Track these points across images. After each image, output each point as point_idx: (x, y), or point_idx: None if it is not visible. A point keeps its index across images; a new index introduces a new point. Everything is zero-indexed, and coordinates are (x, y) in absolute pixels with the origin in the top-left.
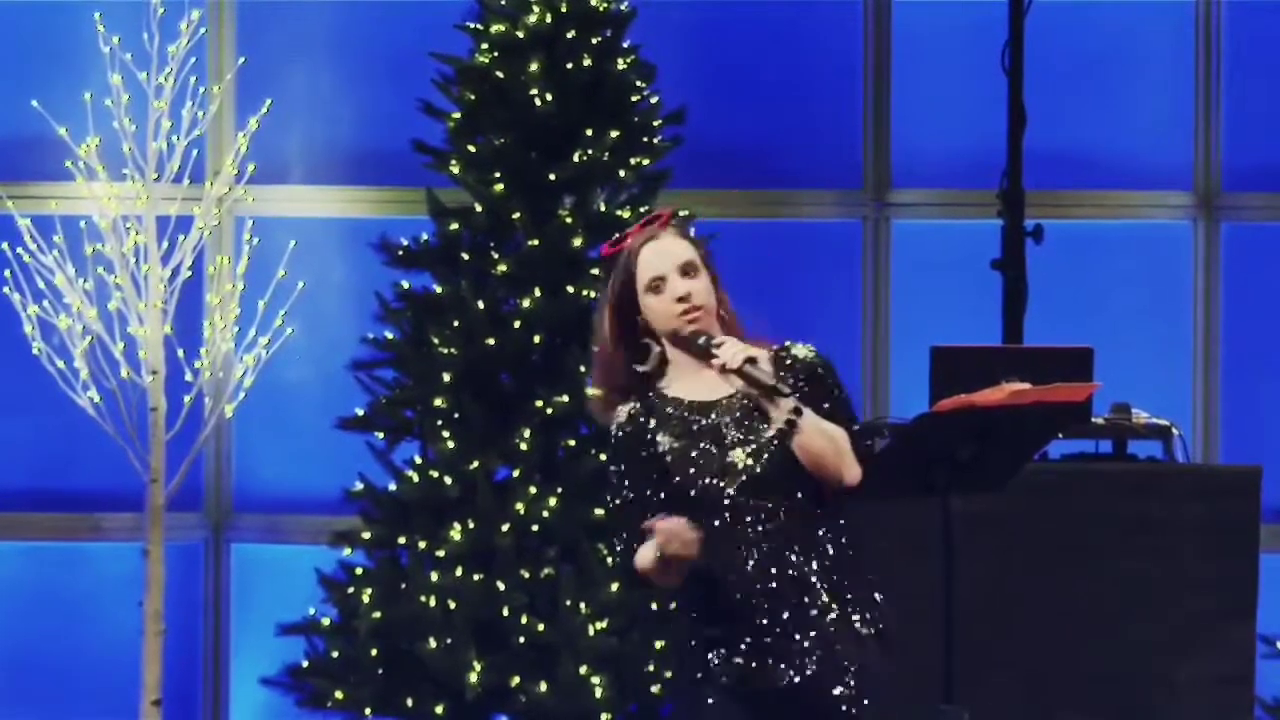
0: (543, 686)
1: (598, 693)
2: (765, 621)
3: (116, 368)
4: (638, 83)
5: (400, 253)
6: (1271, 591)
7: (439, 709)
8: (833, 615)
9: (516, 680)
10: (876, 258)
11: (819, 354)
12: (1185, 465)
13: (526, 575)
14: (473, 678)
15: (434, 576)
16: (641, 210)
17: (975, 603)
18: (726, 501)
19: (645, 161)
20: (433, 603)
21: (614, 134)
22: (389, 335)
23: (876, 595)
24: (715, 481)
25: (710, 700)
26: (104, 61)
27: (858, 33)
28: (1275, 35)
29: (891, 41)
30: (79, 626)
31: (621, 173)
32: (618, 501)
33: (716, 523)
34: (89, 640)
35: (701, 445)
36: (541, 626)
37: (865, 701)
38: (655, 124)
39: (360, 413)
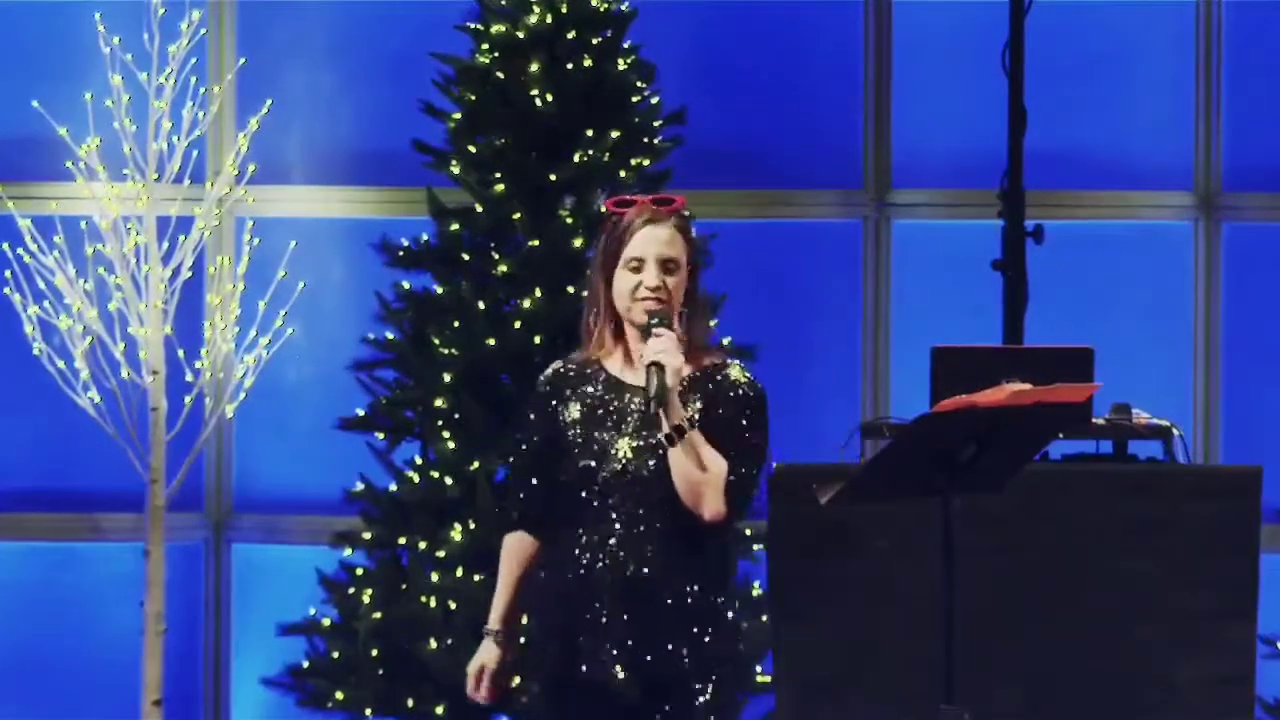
0: None
1: None
2: (609, 613)
3: (117, 368)
4: (638, 83)
5: (401, 253)
6: (1271, 592)
7: (439, 709)
8: (660, 625)
9: (516, 680)
10: (877, 258)
11: (755, 385)
12: (1186, 466)
13: None
14: None
15: (434, 577)
16: None
17: (975, 603)
18: (597, 487)
19: (646, 162)
20: (433, 603)
21: (614, 134)
22: (389, 335)
23: (706, 637)
24: (594, 463)
25: (553, 693)
26: (104, 62)
27: (858, 33)
28: (1276, 35)
29: (892, 41)
30: (79, 627)
31: (622, 173)
32: (520, 445)
33: (595, 503)
34: (89, 640)
35: (599, 425)
36: None
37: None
38: (656, 124)
39: (361, 413)
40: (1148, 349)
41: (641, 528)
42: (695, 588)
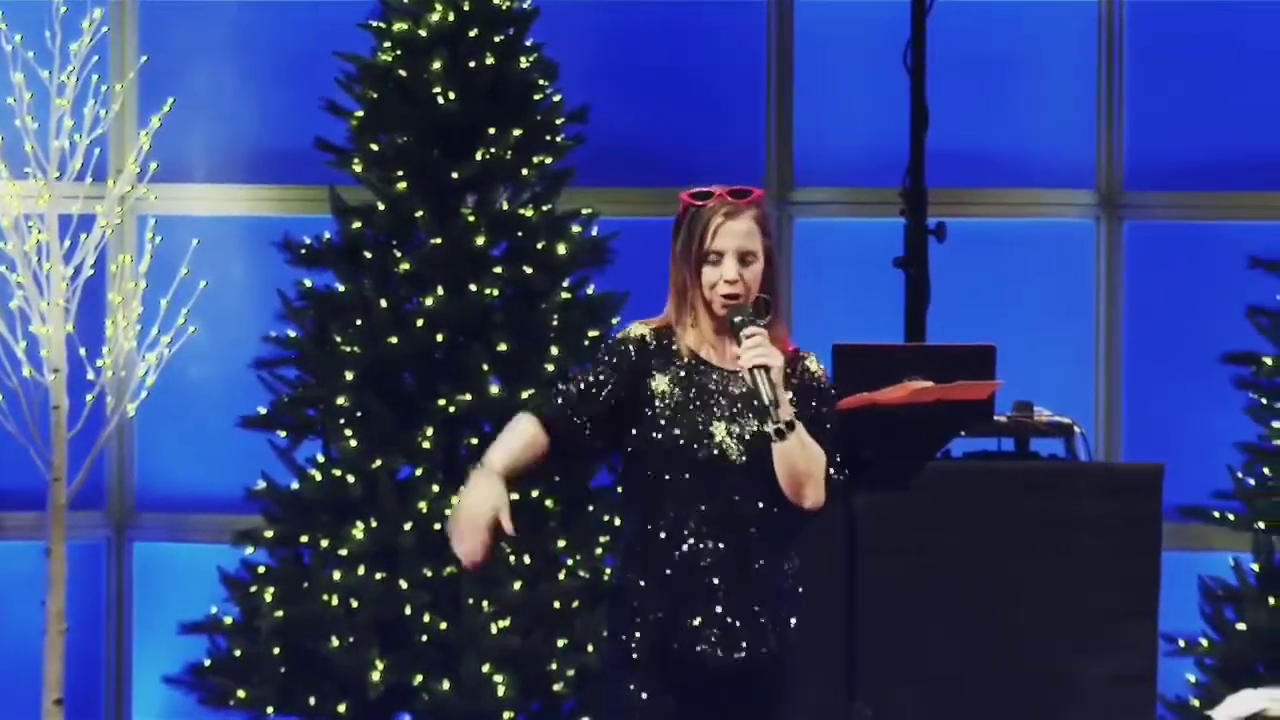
0: (445, 685)
1: (500, 691)
2: (694, 593)
3: (18, 366)
4: (540, 81)
5: (303, 251)
6: (1173, 589)
7: (341, 708)
8: (755, 606)
9: (419, 679)
10: (779, 255)
11: (827, 376)
12: (1087, 463)
13: (429, 574)
14: (375, 676)
15: (336, 575)
16: (544, 209)
17: (878, 600)
18: (694, 464)
19: (548, 160)
20: (335, 601)
21: (517, 132)
22: (291, 334)
23: (793, 620)
24: (687, 441)
25: (635, 678)
26: (5, 59)
27: (761, 31)
28: (1178, 35)
29: (794, 40)
30: None
31: (524, 171)
32: (575, 376)
33: (687, 474)
34: None
35: (692, 402)
36: (444, 625)
37: (782, 693)
38: (558, 122)
39: (263, 411)
40: (1050, 347)
41: (738, 511)
42: (787, 570)
